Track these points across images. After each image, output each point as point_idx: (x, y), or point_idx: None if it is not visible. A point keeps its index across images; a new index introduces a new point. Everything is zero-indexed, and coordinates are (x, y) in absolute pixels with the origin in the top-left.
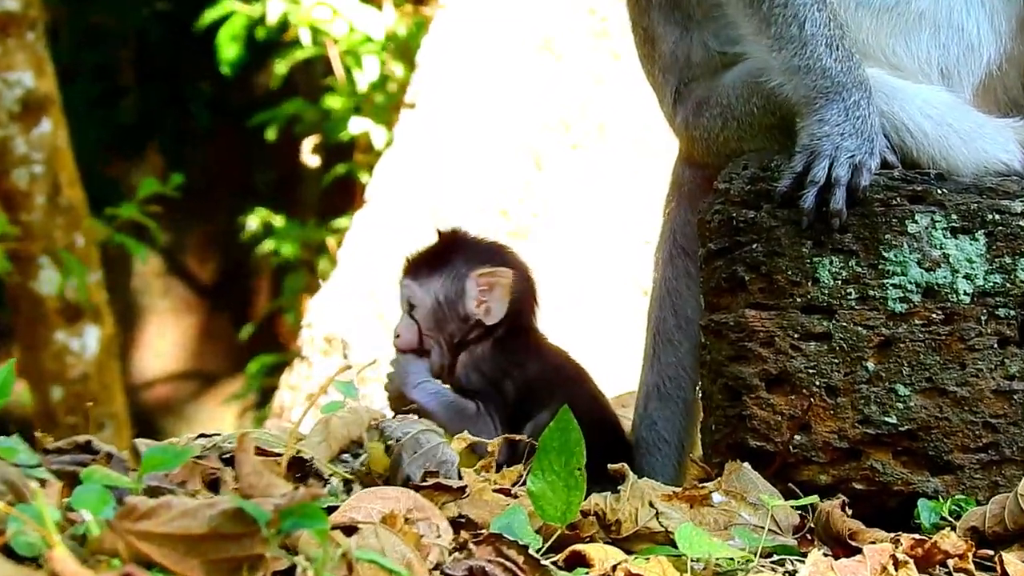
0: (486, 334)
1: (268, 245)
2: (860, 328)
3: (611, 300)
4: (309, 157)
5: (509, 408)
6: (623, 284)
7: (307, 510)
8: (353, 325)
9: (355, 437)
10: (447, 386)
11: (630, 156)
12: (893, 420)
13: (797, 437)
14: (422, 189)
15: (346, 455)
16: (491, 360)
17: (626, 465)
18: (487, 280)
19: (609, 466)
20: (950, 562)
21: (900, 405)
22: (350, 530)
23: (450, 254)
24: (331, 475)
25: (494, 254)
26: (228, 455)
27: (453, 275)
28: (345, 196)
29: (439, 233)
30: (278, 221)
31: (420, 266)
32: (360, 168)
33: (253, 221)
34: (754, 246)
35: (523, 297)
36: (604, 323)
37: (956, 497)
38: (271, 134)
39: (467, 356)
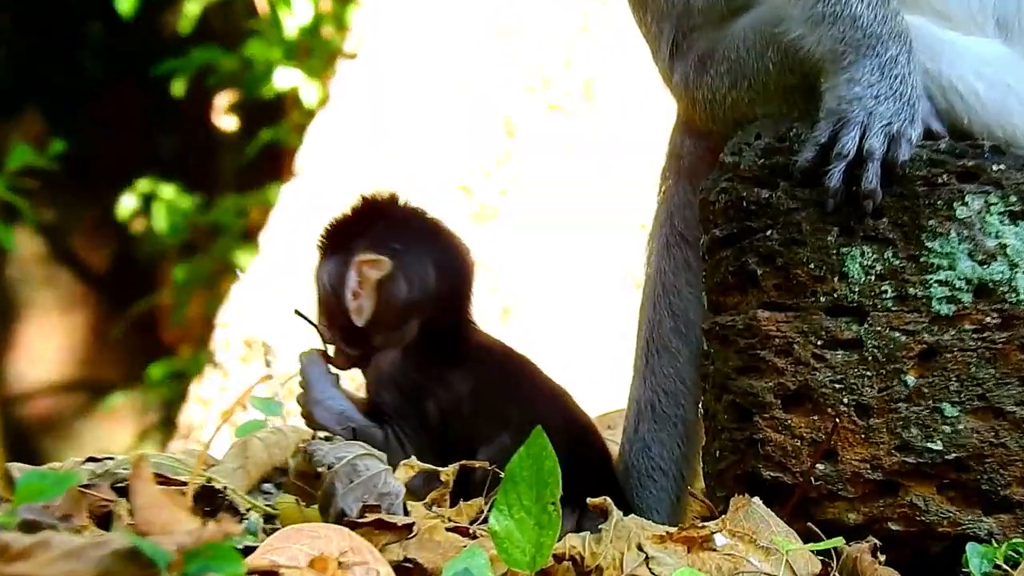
0: (392, 340)
1: (166, 228)
2: (898, 334)
3: (596, 298)
4: (225, 118)
5: (434, 433)
6: (610, 278)
7: (218, 551)
8: (278, 325)
9: (279, 463)
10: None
11: (621, 121)
12: (938, 446)
13: (820, 466)
14: (364, 159)
15: (268, 484)
16: (403, 374)
17: (608, 499)
18: (362, 269)
19: (588, 500)
20: None
21: (947, 428)
22: (271, 575)
23: (349, 229)
24: (249, 509)
25: (397, 232)
26: (122, 483)
27: (341, 257)
28: (270, 166)
29: (361, 199)
30: (181, 197)
31: (324, 240)
32: (288, 132)
33: (141, 196)
34: (768, 233)
35: (426, 287)
36: (586, 326)
37: (1014, 541)
38: (178, 88)
39: (375, 368)
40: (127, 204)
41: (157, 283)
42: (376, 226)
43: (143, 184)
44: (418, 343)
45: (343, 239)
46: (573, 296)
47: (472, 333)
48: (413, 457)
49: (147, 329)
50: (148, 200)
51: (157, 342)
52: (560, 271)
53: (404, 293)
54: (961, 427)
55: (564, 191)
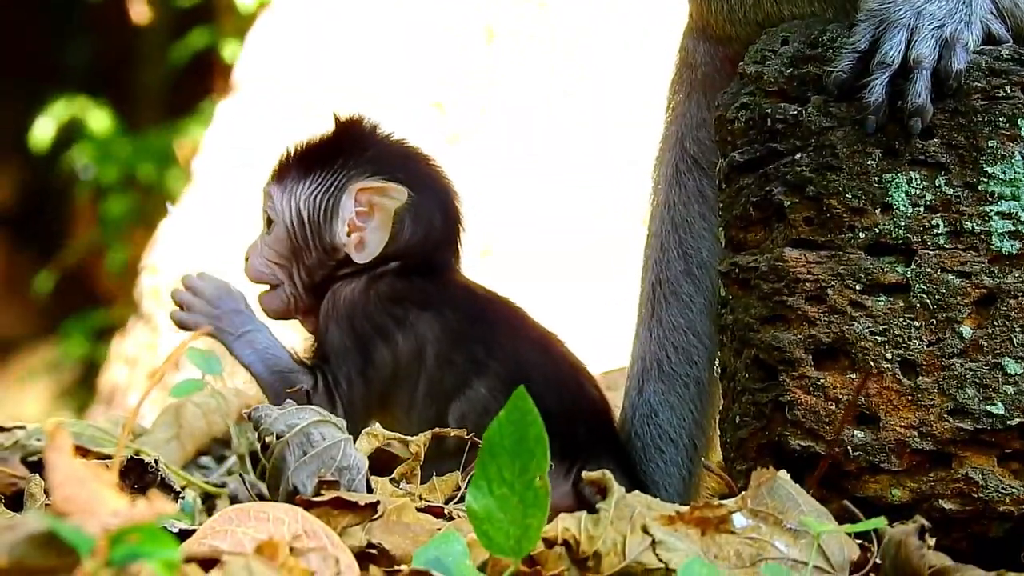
0: (361, 270)
1: (81, 154)
2: (952, 276)
3: (592, 235)
4: (142, 18)
5: (374, 387)
6: (610, 211)
7: (149, 534)
8: (216, 268)
9: (219, 433)
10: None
11: (626, 22)
12: (999, 410)
13: (858, 434)
14: (315, 69)
15: (206, 458)
16: (362, 309)
17: (607, 473)
18: (369, 198)
19: (584, 474)
20: None
21: (1009, 388)
22: (211, 564)
23: (335, 153)
24: (184, 486)
25: (399, 161)
26: (35, 456)
27: (329, 183)
28: (201, 80)
29: (336, 121)
30: (97, 117)
31: (289, 167)
32: (223, 37)
33: (56, 117)
34: (798, 157)
35: (431, 232)
36: (580, 269)
37: None
38: None
39: (331, 298)
40: (42, 130)
41: (75, 221)
42: (367, 152)
43: (58, 105)
44: (387, 278)
45: (322, 163)
46: (564, 234)
47: (450, 275)
48: (377, 424)
49: (63, 276)
50: (77, 125)
51: (75, 292)
52: (549, 203)
53: (408, 233)
54: None
55: (553, 106)
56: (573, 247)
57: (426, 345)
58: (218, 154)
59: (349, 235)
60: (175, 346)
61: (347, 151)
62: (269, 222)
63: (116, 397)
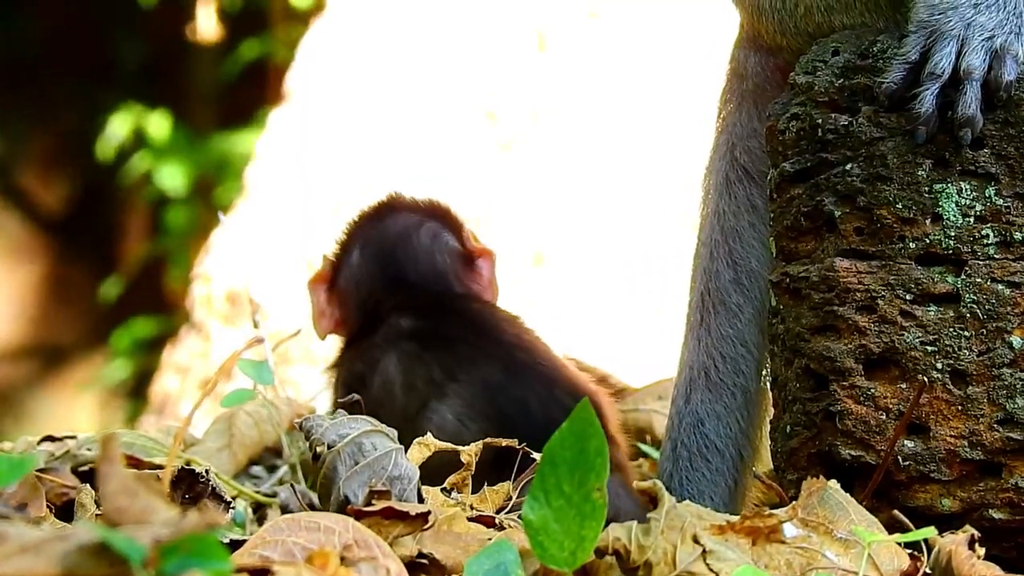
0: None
1: (141, 162)
2: (1002, 287)
3: (643, 244)
4: (203, 25)
5: None
6: (661, 219)
7: (200, 544)
8: (268, 278)
9: (270, 442)
10: None
11: (676, 32)
12: None
13: (909, 443)
14: (368, 77)
15: (257, 468)
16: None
17: (658, 482)
18: (313, 287)
19: (636, 484)
20: None
21: None
22: (262, 573)
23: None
24: (236, 496)
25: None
26: (86, 467)
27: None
28: (257, 87)
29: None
30: (156, 125)
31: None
32: (280, 44)
33: (117, 125)
34: (848, 167)
35: (361, 294)
36: (631, 277)
37: None
38: None
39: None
40: (111, 136)
41: (127, 228)
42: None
43: (131, 111)
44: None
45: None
46: (615, 243)
47: (396, 317)
48: (429, 435)
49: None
50: (137, 132)
51: (127, 298)
52: (600, 211)
53: (345, 303)
54: None
55: (606, 115)
56: (624, 255)
57: (393, 383)
58: (271, 164)
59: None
60: (227, 355)
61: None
62: None
63: (167, 406)
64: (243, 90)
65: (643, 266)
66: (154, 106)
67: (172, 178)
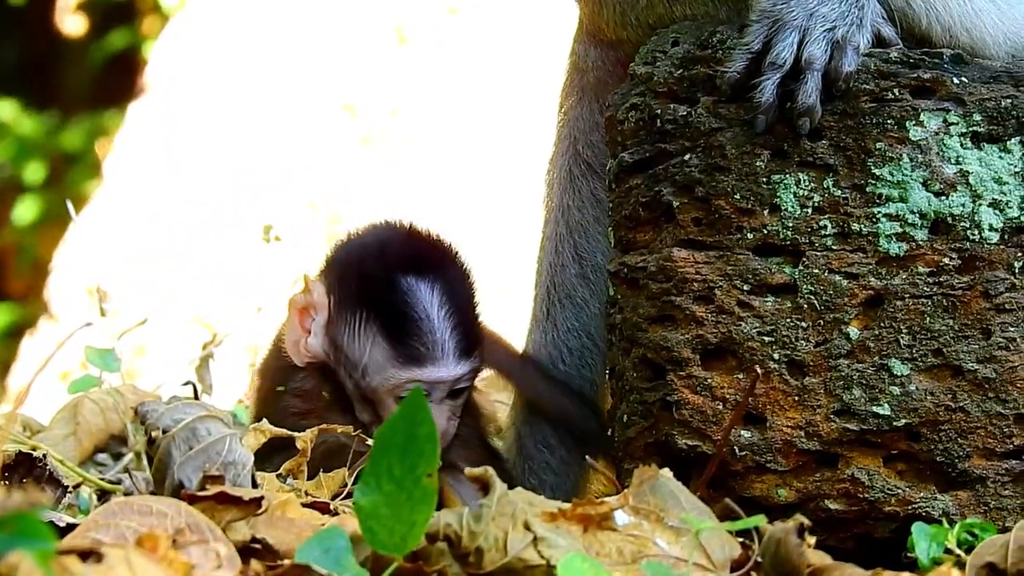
0: None
1: (7, 150)
2: (839, 277)
3: (494, 237)
4: (71, 20)
5: None
6: (510, 212)
7: (24, 524)
8: (123, 269)
9: (116, 430)
10: None
11: (535, 26)
12: (885, 411)
13: (745, 433)
14: (228, 71)
15: (103, 455)
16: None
17: (489, 469)
18: None
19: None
20: None
21: (895, 389)
22: (91, 555)
23: None
24: (80, 483)
25: None
26: None
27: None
28: (124, 80)
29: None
30: (24, 116)
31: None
32: (146, 38)
33: None
34: (687, 157)
35: None
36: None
37: (968, 521)
38: None
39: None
40: None
41: None
42: None
43: None
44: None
45: None
46: (470, 230)
47: None
48: (264, 420)
49: None
50: None
51: None
52: (458, 202)
53: None
54: (912, 388)
55: (465, 107)
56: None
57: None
58: (129, 155)
59: None
60: (78, 347)
61: None
62: None
63: (24, 396)
64: (110, 84)
65: (493, 258)
66: (16, 98)
67: (28, 169)
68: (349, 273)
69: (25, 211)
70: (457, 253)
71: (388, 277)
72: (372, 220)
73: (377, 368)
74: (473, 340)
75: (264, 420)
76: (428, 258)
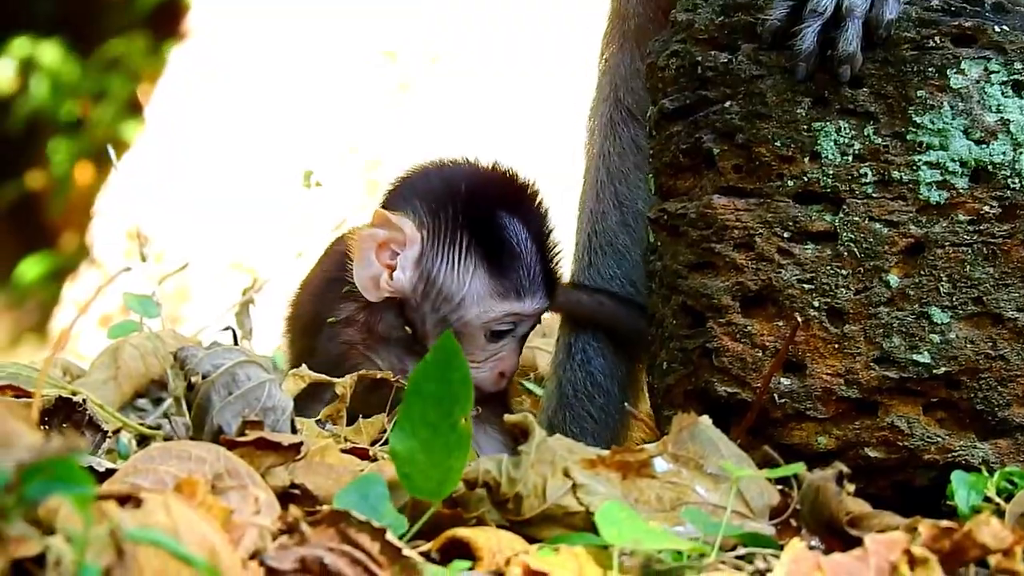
0: None
1: (38, 91)
2: (879, 225)
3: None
4: None
5: None
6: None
7: (63, 469)
8: (164, 214)
9: (156, 375)
10: None
11: None
12: (925, 359)
13: (785, 381)
14: (271, 15)
15: (143, 400)
16: None
17: (529, 416)
18: None
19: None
20: (991, 560)
21: (935, 337)
22: (129, 500)
23: None
24: (120, 428)
25: None
26: None
27: None
28: (166, 25)
29: None
30: (48, 54)
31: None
32: None
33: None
34: (727, 104)
35: None
36: None
37: (1008, 470)
38: None
39: None
40: (2, 70)
41: (34, 161)
42: None
43: (19, 45)
44: None
45: None
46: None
47: None
48: (304, 366)
49: (20, 217)
50: (25, 65)
51: (35, 233)
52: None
53: None
54: (952, 336)
55: (502, 58)
56: None
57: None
58: (171, 99)
59: None
60: (119, 291)
61: None
62: None
63: (69, 342)
64: (153, 28)
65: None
66: (55, 40)
67: (67, 111)
68: (447, 208)
69: (64, 153)
70: (539, 191)
71: (489, 211)
72: (443, 158)
73: (475, 300)
74: (559, 276)
75: (303, 364)
76: (522, 195)
